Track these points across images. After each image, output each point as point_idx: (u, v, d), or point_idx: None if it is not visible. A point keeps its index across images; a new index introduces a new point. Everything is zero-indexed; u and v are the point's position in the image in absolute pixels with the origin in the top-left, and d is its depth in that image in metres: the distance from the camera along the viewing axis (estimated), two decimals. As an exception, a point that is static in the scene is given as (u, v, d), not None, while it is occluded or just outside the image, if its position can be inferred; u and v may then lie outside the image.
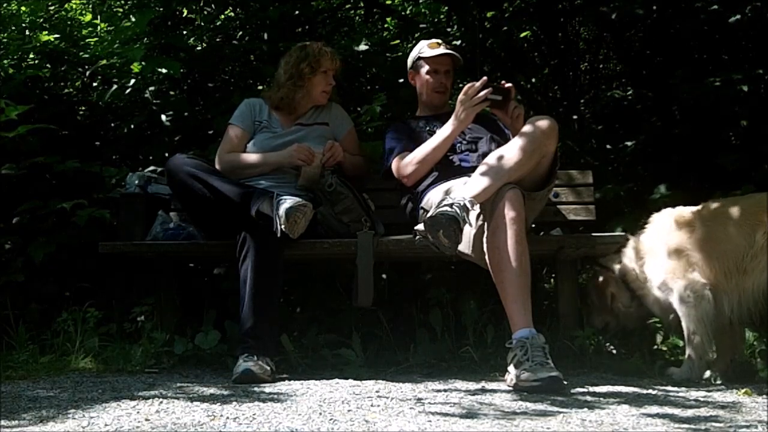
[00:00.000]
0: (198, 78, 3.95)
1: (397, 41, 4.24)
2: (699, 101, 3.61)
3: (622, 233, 2.77)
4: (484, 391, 2.17)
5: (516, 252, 2.28)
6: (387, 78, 3.85)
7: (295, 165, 2.83)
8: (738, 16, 3.55)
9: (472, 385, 2.26)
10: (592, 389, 2.21)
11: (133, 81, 3.56)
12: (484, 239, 2.37)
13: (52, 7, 3.87)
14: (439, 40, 3.04)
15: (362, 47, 3.83)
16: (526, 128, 2.47)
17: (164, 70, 3.52)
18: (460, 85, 3.98)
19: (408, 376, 2.49)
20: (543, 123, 2.46)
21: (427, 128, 2.90)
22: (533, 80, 4.54)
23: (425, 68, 2.98)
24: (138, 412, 1.85)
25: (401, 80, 3.27)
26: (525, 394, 2.09)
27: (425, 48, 2.99)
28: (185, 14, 4.06)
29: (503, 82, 2.68)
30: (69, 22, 3.91)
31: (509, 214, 2.30)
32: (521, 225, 2.32)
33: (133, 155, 3.59)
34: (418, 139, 2.86)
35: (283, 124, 3.02)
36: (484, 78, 2.67)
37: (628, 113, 4.02)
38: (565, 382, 2.16)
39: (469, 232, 2.40)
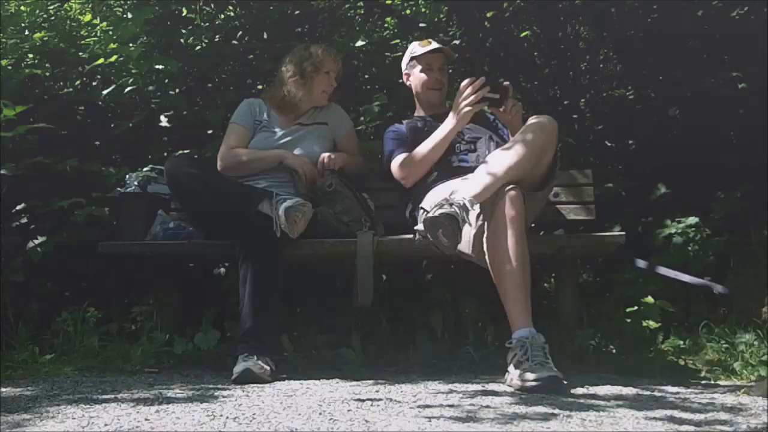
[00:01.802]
0: (197, 77, 3.95)
1: (397, 41, 4.24)
2: (699, 100, 3.62)
3: (622, 233, 2.77)
4: (484, 391, 2.17)
5: (516, 252, 2.28)
6: (387, 77, 3.84)
7: (294, 169, 2.83)
8: (739, 10, 3.56)
9: (472, 386, 2.26)
10: (592, 389, 2.21)
11: (131, 80, 3.56)
12: (484, 239, 2.37)
13: (51, 7, 3.87)
14: (430, 39, 3.06)
15: (360, 43, 3.82)
16: (526, 127, 2.47)
17: (161, 67, 3.52)
18: (458, 82, 3.96)
19: (408, 376, 2.48)
20: (542, 122, 2.46)
21: (426, 129, 2.90)
22: (535, 81, 4.53)
23: (418, 67, 3.00)
24: (138, 412, 1.85)
25: (401, 80, 3.26)
26: (525, 395, 2.09)
27: (416, 47, 3.02)
28: (185, 14, 4.05)
29: (501, 80, 2.67)
30: (68, 22, 3.91)
31: (510, 213, 2.30)
32: (521, 225, 2.32)
33: (133, 155, 3.59)
34: (417, 140, 2.85)
35: (283, 124, 3.03)
36: (482, 78, 2.67)
37: (628, 113, 4.02)
38: (565, 382, 2.16)
39: (469, 231, 2.39)
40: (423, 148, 2.78)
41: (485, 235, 2.36)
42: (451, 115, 2.72)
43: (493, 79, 2.69)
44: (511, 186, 2.36)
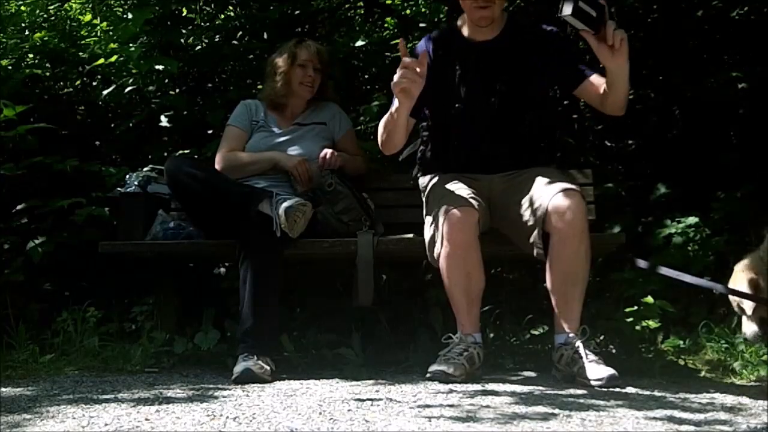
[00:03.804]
0: (197, 77, 3.96)
1: (397, 41, 4.23)
2: (699, 100, 3.62)
3: (622, 233, 2.76)
4: (484, 391, 2.17)
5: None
6: (387, 77, 3.84)
7: (288, 171, 2.83)
8: (738, 10, 3.55)
9: (472, 386, 2.26)
10: (592, 389, 2.20)
11: (131, 80, 3.57)
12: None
13: (51, 7, 3.87)
14: None
15: (360, 43, 3.82)
16: (560, 223, 2.31)
17: (161, 67, 3.53)
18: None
19: (408, 376, 2.48)
20: (572, 216, 2.32)
21: (450, 64, 2.56)
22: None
23: None
24: (138, 412, 1.85)
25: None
26: (525, 395, 2.09)
27: None
28: (185, 14, 4.06)
29: None
30: (68, 22, 3.91)
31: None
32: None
33: (133, 155, 3.59)
34: (437, 77, 2.48)
35: (280, 124, 3.03)
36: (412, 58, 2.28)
37: (628, 113, 4.02)
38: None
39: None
40: (380, 124, 2.54)
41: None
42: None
43: None
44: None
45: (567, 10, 2.07)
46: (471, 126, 2.56)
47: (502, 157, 2.57)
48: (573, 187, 2.35)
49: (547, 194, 2.35)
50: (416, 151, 2.80)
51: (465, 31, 2.60)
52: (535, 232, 2.37)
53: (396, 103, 2.40)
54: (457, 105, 2.55)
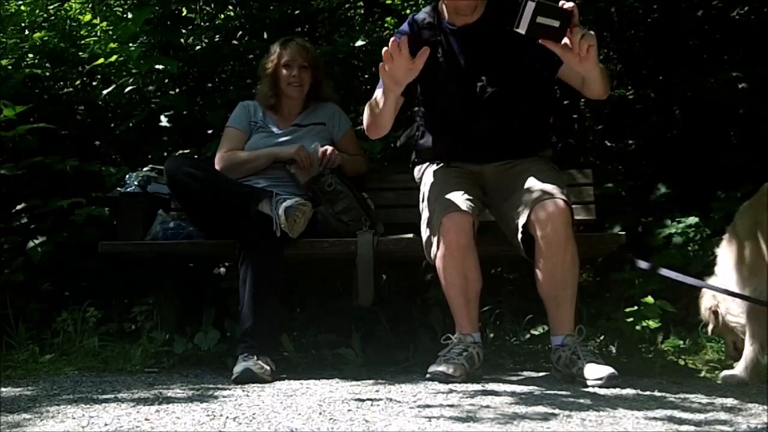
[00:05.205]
0: (197, 77, 3.96)
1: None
2: (699, 100, 3.62)
3: (622, 233, 2.76)
4: (484, 391, 2.17)
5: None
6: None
7: (290, 157, 2.82)
8: (739, 10, 3.56)
9: (472, 386, 2.26)
10: (592, 389, 2.21)
11: (131, 80, 3.57)
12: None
13: (51, 7, 3.87)
14: None
15: (360, 43, 3.82)
16: (550, 231, 2.29)
17: (161, 67, 3.53)
18: None
19: (408, 376, 2.48)
20: (560, 226, 2.30)
21: (440, 39, 2.47)
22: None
23: None
24: (138, 412, 1.85)
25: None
26: (525, 395, 2.08)
27: None
28: (185, 14, 4.06)
29: (561, 2, 1.94)
30: (68, 22, 3.92)
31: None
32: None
33: (133, 155, 3.59)
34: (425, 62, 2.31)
35: (279, 125, 3.03)
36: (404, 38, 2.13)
37: (629, 113, 4.02)
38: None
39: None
40: (366, 107, 2.48)
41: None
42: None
43: (547, 2, 1.90)
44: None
45: (522, 29, 1.95)
46: (460, 111, 2.52)
47: (493, 144, 2.53)
48: (558, 195, 2.31)
49: (530, 201, 2.33)
50: (413, 137, 2.79)
51: (446, 15, 2.51)
52: (518, 237, 2.38)
53: (381, 89, 2.35)
54: (444, 91, 2.49)
